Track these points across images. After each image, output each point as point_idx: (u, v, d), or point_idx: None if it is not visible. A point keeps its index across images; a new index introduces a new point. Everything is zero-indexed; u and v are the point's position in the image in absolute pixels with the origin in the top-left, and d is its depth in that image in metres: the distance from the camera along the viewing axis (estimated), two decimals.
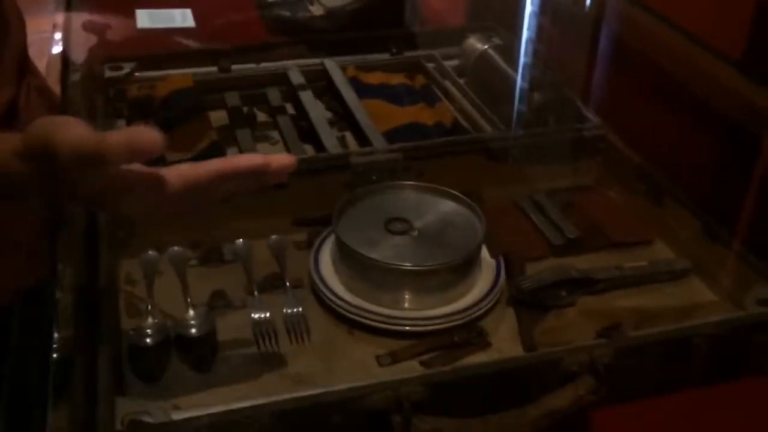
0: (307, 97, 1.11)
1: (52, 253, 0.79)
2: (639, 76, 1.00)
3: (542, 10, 1.11)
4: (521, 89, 1.05)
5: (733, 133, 0.91)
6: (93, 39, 1.24)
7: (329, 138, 1.01)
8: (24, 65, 0.90)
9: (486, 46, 1.15)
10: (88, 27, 1.27)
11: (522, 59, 1.08)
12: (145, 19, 1.38)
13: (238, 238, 0.87)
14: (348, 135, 1.07)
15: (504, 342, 0.77)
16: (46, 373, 0.62)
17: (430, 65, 1.21)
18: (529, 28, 1.09)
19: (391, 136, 1.02)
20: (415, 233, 0.82)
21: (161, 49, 1.22)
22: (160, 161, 0.98)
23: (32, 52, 1.02)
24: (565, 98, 1.04)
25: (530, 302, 0.81)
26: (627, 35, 1.02)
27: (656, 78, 0.96)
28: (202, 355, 0.74)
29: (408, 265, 0.77)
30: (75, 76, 1.05)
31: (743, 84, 0.82)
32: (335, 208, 0.83)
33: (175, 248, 0.86)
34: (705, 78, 0.91)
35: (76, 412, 0.58)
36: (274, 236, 0.89)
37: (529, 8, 1.11)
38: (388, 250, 0.79)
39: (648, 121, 1.00)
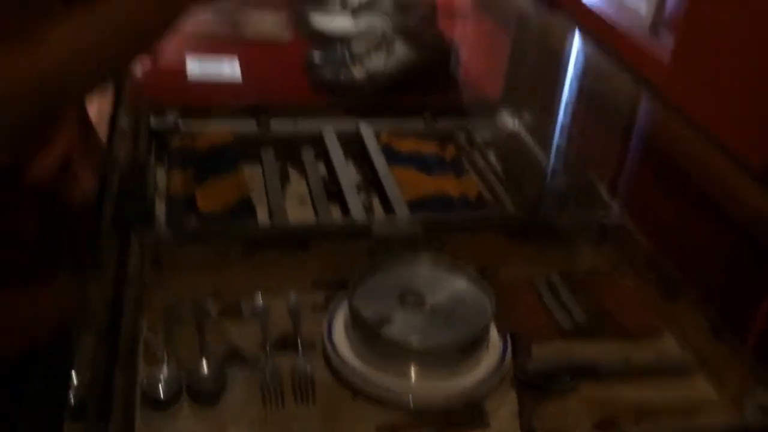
0: (339, 161, 1.15)
1: (80, 296, 0.83)
2: (662, 172, 1.02)
3: (577, 97, 1.15)
4: (547, 171, 1.08)
5: (748, 240, 0.92)
6: (142, 84, 1.30)
7: (355, 203, 1.04)
8: (83, 116, 0.96)
9: (517, 125, 1.19)
10: (139, 72, 1.33)
11: (551, 142, 1.12)
12: (196, 67, 1.45)
13: (258, 292, 0.91)
14: (375, 201, 1.10)
15: (503, 422, 0.79)
16: (61, 414, 0.66)
17: (462, 136, 1.25)
18: (561, 113, 1.13)
19: (416, 205, 1.05)
20: (427, 308, 0.85)
21: (206, 99, 1.27)
22: (193, 211, 1.03)
23: None
24: (588, 184, 1.07)
25: (533, 384, 0.83)
26: (655, 133, 1.05)
27: (679, 177, 0.98)
28: (211, 408, 0.77)
29: (416, 344, 0.79)
30: (123, 122, 1.11)
31: (761, 196, 0.84)
32: (353, 276, 0.86)
33: (196, 300, 0.91)
34: (724, 185, 0.93)
35: None
36: (292, 296, 0.92)
37: (564, 94, 1.15)
38: (399, 324, 0.82)
39: (667, 215, 1.02)
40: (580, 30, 1.37)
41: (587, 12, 1.58)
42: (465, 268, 0.90)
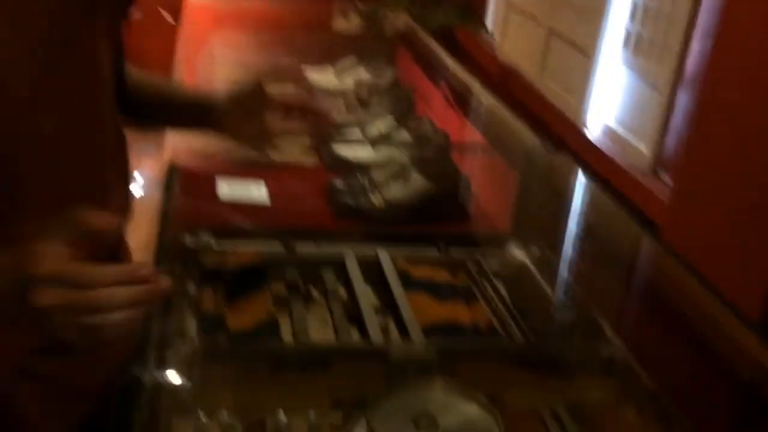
0: (359, 286, 1.23)
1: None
2: (662, 312, 1.10)
3: (585, 234, 1.24)
4: (554, 305, 1.16)
5: (746, 388, 0.98)
6: (176, 205, 1.40)
7: (373, 327, 1.12)
8: None
9: (526, 258, 1.27)
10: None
11: (557, 275, 1.20)
12: (226, 189, 1.56)
13: (280, 410, 0.97)
14: (391, 324, 1.18)
15: None
16: None
17: (473, 266, 1.33)
18: (569, 249, 1.21)
19: (430, 330, 1.13)
20: (439, 431, 0.91)
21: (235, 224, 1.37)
22: (223, 329, 1.10)
23: None
24: (592, 319, 1.14)
25: None
26: (655, 273, 1.13)
27: (677, 318, 1.05)
28: None
29: None
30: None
31: (758, 345, 0.92)
32: (371, 398, 0.92)
33: (224, 413, 0.97)
34: (722, 331, 1.00)
35: None
36: (312, 413, 0.98)
37: (570, 231, 1.24)
38: None
39: (666, 354, 1.08)
40: (585, 167, 1.48)
41: (592, 149, 1.70)
42: (475, 394, 0.96)
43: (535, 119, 1.81)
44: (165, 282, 0.68)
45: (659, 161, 1.61)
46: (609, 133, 1.80)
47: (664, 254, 1.12)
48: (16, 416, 0.84)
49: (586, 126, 1.85)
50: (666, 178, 1.57)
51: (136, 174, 1.73)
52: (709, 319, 0.98)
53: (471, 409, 0.95)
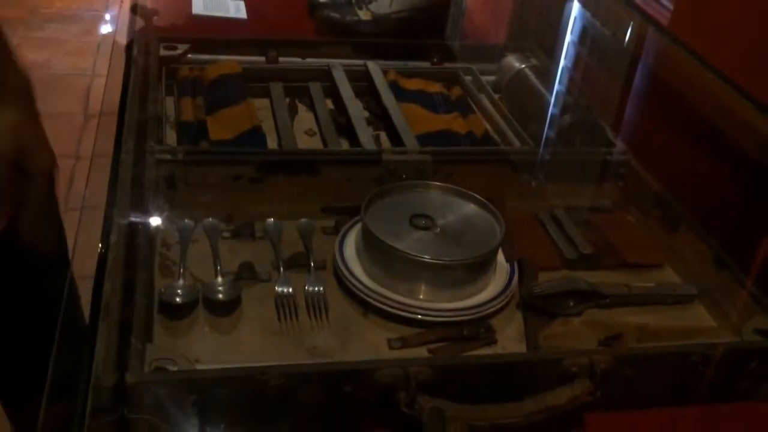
0: (347, 94, 1.16)
1: None
2: (667, 108, 1.04)
3: (581, 39, 1.16)
4: (552, 109, 1.10)
5: (754, 172, 0.94)
6: (149, 20, 1.30)
7: (365, 135, 1.06)
8: None
9: (523, 66, 1.20)
10: (144, 9, 1.33)
11: (556, 82, 1.13)
12: (200, 5, 1.45)
13: (270, 218, 0.93)
14: (383, 135, 1.12)
15: (509, 341, 0.82)
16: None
17: (468, 78, 1.26)
18: (566, 55, 1.14)
19: (424, 139, 1.07)
20: (437, 230, 0.87)
21: (213, 35, 1.28)
22: (204, 138, 1.04)
23: (81, 27, 1.07)
24: (593, 122, 1.09)
25: (538, 308, 0.85)
26: (661, 69, 1.07)
27: (684, 111, 1.00)
28: (226, 318, 0.79)
29: (427, 258, 0.81)
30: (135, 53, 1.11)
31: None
32: (365, 199, 0.88)
33: (210, 219, 0.92)
34: (732, 117, 0.95)
35: (111, 349, 0.63)
36: (303, 219, 0.94)
37: (568, 36, 1.16)
38: (409, 243, 0.84)
39: (671, 151, 1.04)
40: None
41: None
42: (474, 195, 0.91)
43: None
44: None
45: None
46: None
47: (669, 47, 1.05)
48: None
49: None
50: (666, 2, 1.48)
51: None
52: (718, 105, 0.92)
53: (470, 209, 0.91)
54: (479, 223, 0.88)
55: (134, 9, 1.20)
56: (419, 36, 1.41)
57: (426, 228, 0.87)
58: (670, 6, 1.44)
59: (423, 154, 1.00)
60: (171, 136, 1.05)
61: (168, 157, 0.93)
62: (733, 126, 0.92)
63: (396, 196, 0.91)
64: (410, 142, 1.05)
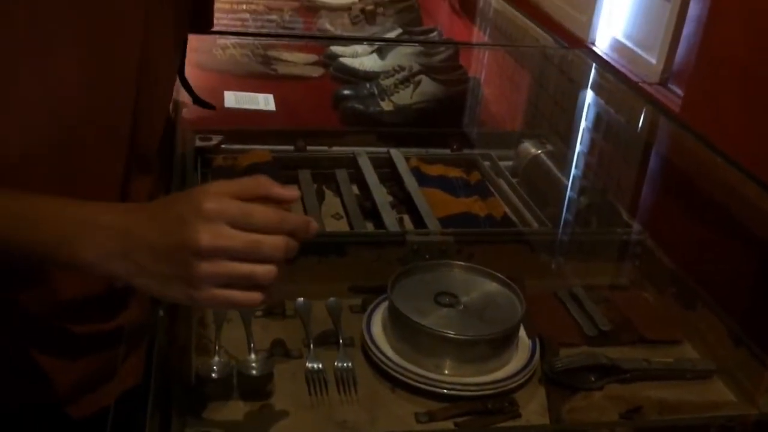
0: (372, 180, 1.22)
1: None
2: (680, 189, 1.09)
3: (595, 125, 1.22)
4: (569, 192, 1.14)
5: (764, 251, 0.98)
6: (186, 112, 1.38)
7: (389, 218, 1.11)
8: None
9: (539, 151, 1.26)
10: (178, 103, 1.41)
11: (572, 165, 1.18)
12: (232, 99, 1.54)
13: (300, 297, 0.97)
14: (406, 218, 1.17)
15: (533, 415, 0.84)
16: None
17: (486, 163, 1.32)
18: (581, 140, 1.20)
19: (445, 222, 1.12)
20: (461, 307, 0.91)
21: (245, 126, 1.35)
22: None
23: None
24: (609, 204, 1.13)
25: (560, 382, 0.88)
26: (672, 153, 1.12)
27: (695, 193, 1.04)
28: (259, 394, 0.82)
29: (451, 334, 0.85)
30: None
31: None
32: (391, 278, 0.92)
33: None
34: (741, 198, 1.00)
35: (154, 419, 0.67)
36: (332, 298, 0.98)
37: (582, 123, 1.22)
38: (435, 319, 0.88)
39: (685, 231, 1.08)
40: (598, 61, 1.45)
41: (602, 63, 1.67)
42: (495, 274, 0.95)
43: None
44: (314, 226, 0.70)
45: (669, 72, 1.59)
46: (617, 47, 1.77)
47: (679, 133, 1.10)
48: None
49: (594, 43, 1.82)
50: (676, 89, 1.54)
51: None
52: (727, 187, 0.97)
53: (492, 287, 0.95)
54: (501, 301, 0.92)
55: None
56: (439, 124, 1.48)
57: (450, 305, 0.91)
58: (680, 92, 1.51)
59: (445, 236, 1.05)
60: None
61: None
62: (743, 207, 0.96)
63: (421, 275, 0.95)
64: (432, 224, 1.10)
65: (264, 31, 1.87)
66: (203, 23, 0.97)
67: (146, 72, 0.79)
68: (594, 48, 1.77)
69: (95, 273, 0.65)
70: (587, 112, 1.27)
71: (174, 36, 0.84)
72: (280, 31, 1.88)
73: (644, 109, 1.20)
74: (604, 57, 1.71)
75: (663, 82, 1.59)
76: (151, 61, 0.79)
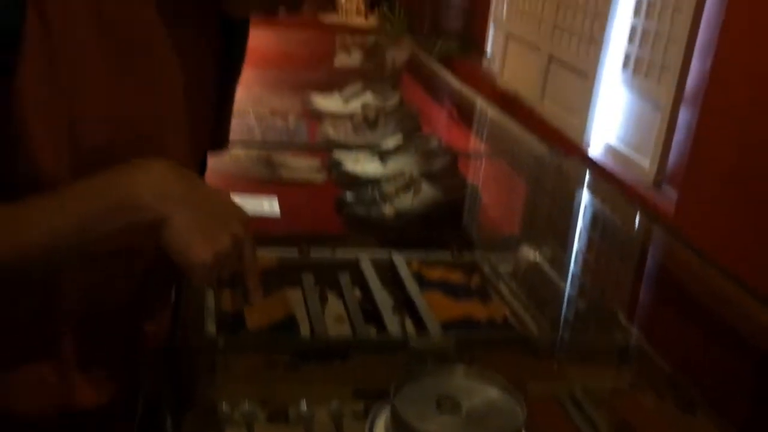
0: (374, 284, 1.24)
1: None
2: (676, 295, 1.11)
3: (591, 226, 1.25)
4: (567, 297, 1.17)
5: (758, 358, 1.00)
6: None
7: (391, 322, 1.13)
8: None
9: (537, 256, 1.29)
10: None
11: (570, 270, 1.21)
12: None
13: (302, 399, 0.98)
14: (408, 321, 1.19)
15: None
16: None
17: (486, 267, 1.35)
18: (577, 243, 1.23)
19: (447, 326, 1.14)
20: (463, 413, 0.91)
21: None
22: (240, 326, 1.12)
23: None
24: (605, 308, 1.16)
25: None
26: (667, 259, 1.15)
27: (691, 300, 1.07)
28: None
29: None
30: None
31: None
32: (394, 383, 0.93)
33: (246, 405, 0.97)
34: (734, 306, 1.02)
35: None
36: (334, 403, 0.99)
37: (579, 227, 1.26)
38: (437, 427, 0.88)
39: (682, 336, 1.10)
40: (593, 170, 1.50)
41: (595, 167, 1.73)
42: (496, 378, 0.96)
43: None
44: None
45: (662, 175, 1.64)
46: (611, 151, 1.84)
47: (673, 242, 1.14)
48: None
49: (588, 145, 1.89)
50: (669, 191, 1.60)
51: None
52: (722, 296, 0.99)
53: (493, 392, 0.96)
54: (502, 407, 0.93)
55: None
56: (439, 228, 1.52)
57: (452, 412, 0.91)
58: (674, 194, 1.56)
59: (446, 340, 1.06)
60: (211, 325, 1.12)
61: (208, 346, 1.00)
62: (737, 314, 0.99)
63: (423, 380, 0.96)
64: (434, 328, 1.12)
65: (270, 136, 1.93)
66: (220, 143, 1.02)
67: None
68: (588, 151, 1.84)
69: (142, 215, 0.70)
70: (583, 218, 1.31)
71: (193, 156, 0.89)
72: (285, 138, 1.95)
73: (638, 216, 1.24)
74: (599, 161, 1.78)
75: (657, 184, 1.65)
76: None
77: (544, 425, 0.96)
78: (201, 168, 0.99)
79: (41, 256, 0.71)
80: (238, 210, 0.77)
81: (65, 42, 0.70)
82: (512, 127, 1.68)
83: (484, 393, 0.95)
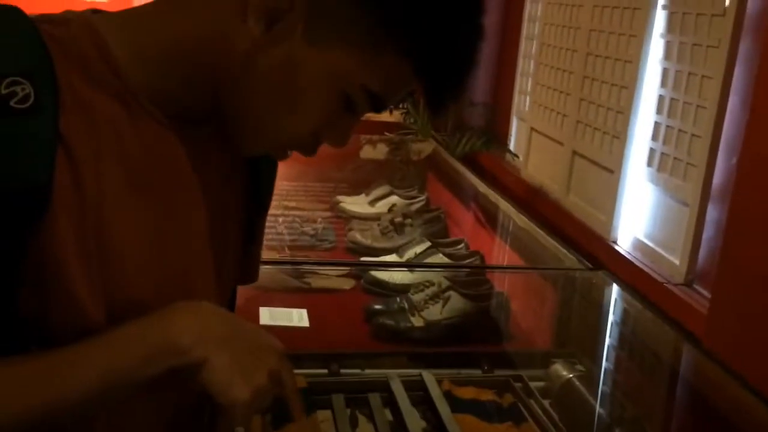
0: (405, 406, 1.23)
1: None
2: (709, 419, 1.08)
3: (621, 347, 1.24)
4: (603, 421, 1.14)
5: None
6: None
7: None
8: None
9: (571, 375, 1.27)
10: None
11: (602, 390, 1.19)
12: (267, 316, 1.58)
13: None
14: None
15: None
16: None
17: (518, 385, 1.33)
18: (610, 363, 1.21)
19: None
20: None
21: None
22: None
23: None
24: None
25: None
26: (704, 388, 1.13)
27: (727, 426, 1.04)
28: None
29: None
30: None
31: None
32: None
33: None
34: None
35: None
36: None
37: (615, 345, 1.24)
38: None
39: None
40: (619, 282, 1.49)
41: (625, 264, 1.72)
42: None
43: (563, 237, 1.84)
44: None
45: (693, 273, 1.62)
46: (640, 247, 1.82)
47: (705, 363, 1.12)
48: None
49: (616, 242, 1.88)
50: (701, 289, 1.57)
51: None
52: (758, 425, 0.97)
53: None
54: None
55: None
56: (468, 339, 1.51)
57: None
58: (706, 293, 1.53)
59: None
60: None
61: None
62: None
63: None
64: None
65: (299, 243, 1.95)
66: (249, 276, 1.02)
67: None
68: (616, 248, 1.83)
69: (182, 359, 0.69)
70: (613, 334, 1.29)
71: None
72: (315, 243, 1.97)
73: (668, 334, 1.22)
74: (628, 256, 1.76)
75: (688, 283, 1.62)
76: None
77: None
78: (231, 303, 1.00)
79: (70, 412, 0.71)
80: (271, 342, 0.77)
81: (95, 192, 0.71)
82: (539, 233, 1.68)
83: None
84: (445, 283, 1.58)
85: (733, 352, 1.20)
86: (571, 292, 1.48)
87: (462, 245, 1.83)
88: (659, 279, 1.60)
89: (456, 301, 1.54)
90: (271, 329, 1.51)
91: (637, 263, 1.71)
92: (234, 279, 0.97)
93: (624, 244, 1.84)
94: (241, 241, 0.95)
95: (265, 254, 1.73)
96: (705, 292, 1.52)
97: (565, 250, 1.53)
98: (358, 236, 1.97)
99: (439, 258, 1.78)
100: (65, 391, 0.70)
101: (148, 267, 0.77)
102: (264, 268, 1.56)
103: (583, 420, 1.20)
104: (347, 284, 1.77)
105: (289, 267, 1.72)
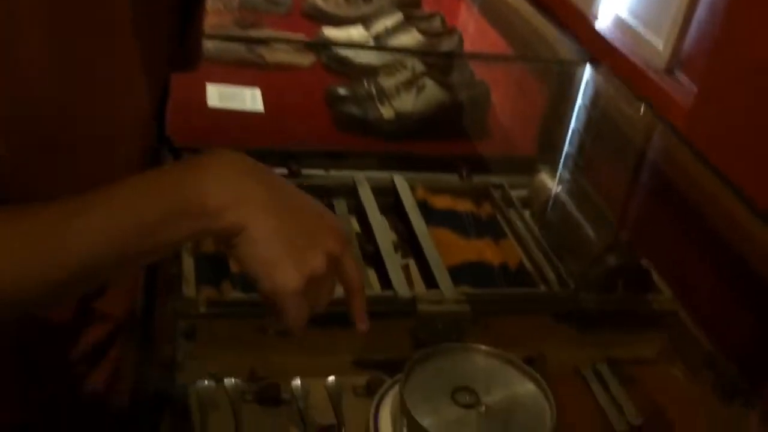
0: (374, 215, 1.09)
1: None
2: (721, 255, 0.99)
3: (616, 156, 1.10)
4: (594, 247, 1.04)
5: None
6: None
7: (396, 272, 0.99)
8: None
9: (558, 188, 1.14)
10: None
11: (593, 207, 1.08)
12: (216, 96, 1.38)
13: (296, 375, 0.87)
14: (412, 265, 1.05)
15: None
16: None
17: (498, 194, 1.20)
18: (604, 172, 1.08)
19: (456, 272, 1.01)
20: (482, 408, 0.80)
21: (231, 141, 1.21)
22: (225, 275, 0.97)
23: None
24: (639, 265, 1.03)
25: None
26: (712, 214, 1.01)
27: (746, 265, 0.94)
28: None
29: None
30: None
31: None
32: (405, 369, 0.81)
33: (233, 380, 0.85)
34: None
35: None
36: (332, 378, 0.88)
37: (605, 151, 1.10)
38: (452, 425, 0.77)
39: (725, 303, 0.98)
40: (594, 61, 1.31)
41: (603, 44, 1.53)
42: (521, 364, 0.84)
43: (543, 10, 1.61)
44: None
45: (677, 59, 1.45)
46: (621, 26, 1.61)
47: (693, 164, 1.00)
48: None
49: (596, 18, 1.66)
50: (684, 77, 1.42)
51: None
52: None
53: (517, 380, 0.84)
54: (528, 403, 0.82)
55: None
56: (444, 136, 1.35)
57: (470, 405, 0.80)
58: (688, 83, 1.38)
59: (460, 304, 0.94)
60: (189, 269, 0.97)
61: (188, 310, 0.87)
62: None
63: (435, 364, 0.84)
64: (442, 276, 0.99)
65: (248, 6, 1.69)
66: (189, 61, 0.83)
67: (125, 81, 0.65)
68: (596, 25, 1.62)
69: (211, 224, 0.54)
70: (605, 136, 1.14)
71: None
72: (268, 7, 1.70)
73: (669, 139, 1.09)
74: (607, 38, 1.56)
75: (669, 70, 1.46)
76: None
77: (567, 410, 0.86)
78: (164, 95, 0.81)
79: (72, 282, 0.54)
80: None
81: None
82: (528, 10, 1.46)
83: (506, 383, 0.84)
84: (420, 67, 1.38)
85: (716, 148, 1.07)
86: (561, 86, 1.31)
87: (438, 18, 1.61)
88: (640, 64, 1.43)
89: (432, 91, 1.36)
90: (220, 113, 1.33)
91: (616, 44, 1.51)
92: (167, 66, 0.77)
93: (605, 22, 1.63)
94: (176, 19, 0.75)
95: (208, 20, 1.49)
96: (687, 82, 1.37)
97: (561, 35, 1.33)
98: (318, 1, 1.71)
99: (413, 35, 1.55)
100: (70, 257, 0.53)
101: (51, 61, 0.57)
102: (209, 38, 1.33)
103: (569, 239, 1.09)
104: (306, 59, 1.55)
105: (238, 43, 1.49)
